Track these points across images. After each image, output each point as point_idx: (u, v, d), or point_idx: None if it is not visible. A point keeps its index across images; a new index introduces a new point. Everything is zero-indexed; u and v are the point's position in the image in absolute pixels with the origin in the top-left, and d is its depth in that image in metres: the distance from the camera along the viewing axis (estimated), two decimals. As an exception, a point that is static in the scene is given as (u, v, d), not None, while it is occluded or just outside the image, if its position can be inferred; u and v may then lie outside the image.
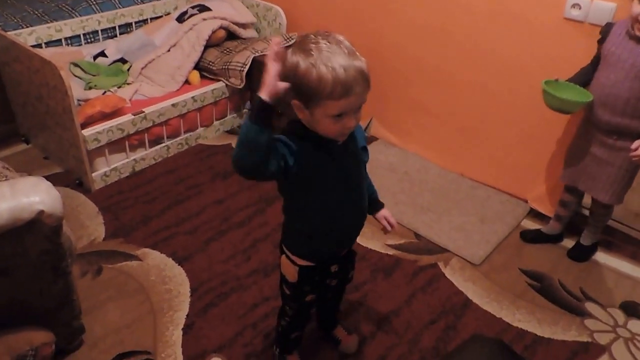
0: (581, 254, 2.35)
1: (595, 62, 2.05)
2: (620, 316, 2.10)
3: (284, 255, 1.53)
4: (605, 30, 1.98)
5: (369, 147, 2.43)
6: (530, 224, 2.55)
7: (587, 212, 2.47)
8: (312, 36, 1.21)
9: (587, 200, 2.32)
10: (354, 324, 1.98)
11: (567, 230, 2.45)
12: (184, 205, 2.55)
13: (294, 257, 1.48)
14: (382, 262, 2.27)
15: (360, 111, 1.27)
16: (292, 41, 3.15)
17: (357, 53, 1.21)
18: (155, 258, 2.24)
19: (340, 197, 1.39)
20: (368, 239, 2.38)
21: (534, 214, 2.61)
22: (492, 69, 2.54)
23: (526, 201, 2.66)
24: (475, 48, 2.56)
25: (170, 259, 2.24)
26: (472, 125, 2.74)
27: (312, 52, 1.17)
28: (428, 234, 2.43)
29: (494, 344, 1.65)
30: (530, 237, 2.44)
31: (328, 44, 1.18)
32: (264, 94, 1.15)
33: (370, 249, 2.33)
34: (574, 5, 2.19)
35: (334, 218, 1.41)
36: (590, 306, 2.13)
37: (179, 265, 2.21)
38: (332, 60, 1.16)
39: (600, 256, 2.38)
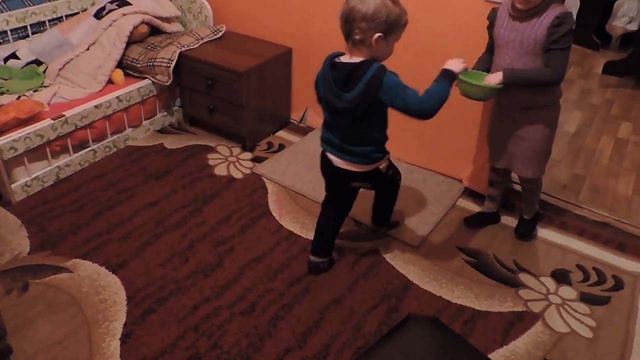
0: (525, 228, 2.39)
1: (490, 48, 2.11)
2: (551, 284, 2.17)
3: (380, 165, 1.93)
4: (492, 16, 2.05)
5: (306, 138, 2.52)
6: (466, 203, 2.60)
7: (518, 187, 2.55)
8: None
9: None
10: (297, 316, 1.95)
11: (502, 207, 2.50)
12: (115, 211, 2.44)
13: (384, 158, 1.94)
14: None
15: None
16: (221, 34, 3.08)
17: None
18: (86, 268, 2.12)
19: None
20: (308, 230, 2.36)
21: (469, 193, 2.65)
22: (420, 54, 2.55)
23: (461, 181, 2.71)
24: (403, 33, 2.55)
25: (103, 267, 2.13)
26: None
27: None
28: (368, 220, 2.42)
29: (428, 322, 1.67)
30: (472, 221, 2.47)
31: None
32: (457, 70, 1.82)
33: (311, 240, 2.28)
34: (493, -12, 2.23)
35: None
36: (523, 277, 2.19)
37: (112, 273, 2.10)
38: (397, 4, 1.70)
39: (534, 228, 2.45)
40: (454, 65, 1.82)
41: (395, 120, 2.42)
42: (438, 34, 2.45)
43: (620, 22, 5.34)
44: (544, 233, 2.43)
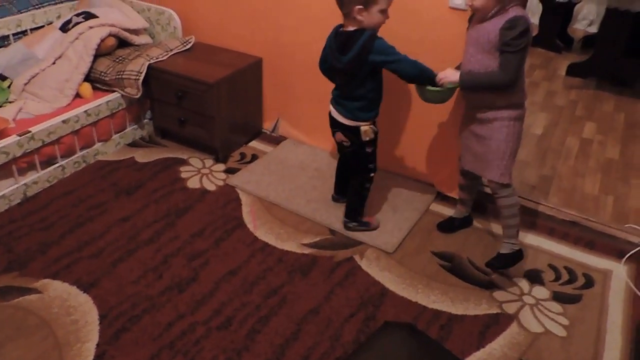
0: (499, 262, 2.23)
1: None
2: (525, 285, 2.20)
3: (363, 125, 2.18)
4: (470, 17, 2.11)
5: (279, 148, 2.77)
6: (439, 207, 2.62)
7: (489, 190, 2.56)
8: None
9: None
10: (274, 328, 1.93)
11: (474, 210, 2.53)
12: (86, 228, 2.39)
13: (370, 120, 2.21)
14: (299, 262, 2.24)
15: None
16: (190, 45, 3.05)
17: None
18: (57, 288, 2.07)
19: None
20: (283, 241, 2.35)
21: (441, 197, 2.68)
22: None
23: (433, 185, 2.73)
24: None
25: (74, 287, 2.08)
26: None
27: None
28: (342, 228, 2.43)
29: (404, 330, 1.68)
30: (445, 226, 2.48)
31: None
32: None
33: (287, 251, 2.30)
34: (456, -5, 2.27)
35: None
36: (497, 279, 2.22)
37: (84, 292, 2.06)
38: None
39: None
40: (444, 73, 2.05)
41: None
42: (412, 40, 2.46)
43: (581, 25, 5.49)
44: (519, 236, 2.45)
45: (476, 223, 2.53)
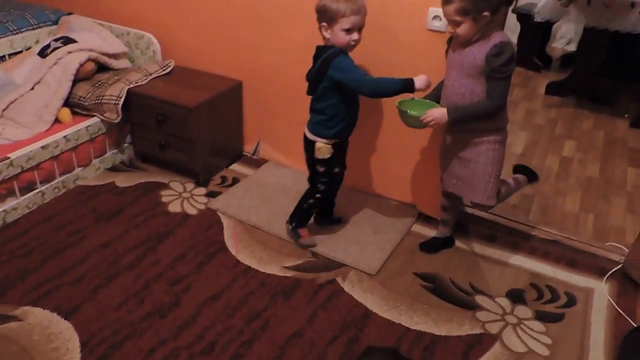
0: (432, 247, 2.50)
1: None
2: (507, 304, 2.23)
3: (319, 141, 2.25)
4: (449, 40, 2.14)
5: (260, 170, 2.90)
6: (421, 228, 2.66)
7: (471, 211, 2.62)
8: None
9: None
10: (257, 352, 1.94)
11: (456, 230, 2.57)
12: (67, 254, 2.37)
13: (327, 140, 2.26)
14: (281, 285, 2.25)
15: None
16: (169, 69, 3.08)
17: None
18: (37, 315, 2.05)
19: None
20: (265, 264, 2.36)
21: (423, 218, 2.72)
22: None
23: (415, 206, 2.77)
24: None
25: (55, 314, 2.06)
26: (357, 139, 2.78)
27: None
28: (324, 250, 2.45)
29: (387, 355, 1.69)
30: (428, 247, 2.51)
31: None
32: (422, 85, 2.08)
33: (269, 274, 2.31)
34: (434, 17, 2.32)
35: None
36: (480, 299, 2.25)
37: (65, 319, 2.04)
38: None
39: (485, 249, 2.53)
40: (419, 80, 2.08)
41: (349, 146, 2.49)
42: (388, 62, 2.52)
43: (559, 44, 5.62)
44: (497, 254, 2.50)
45: (458, 243, 2.56)
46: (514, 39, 4.97)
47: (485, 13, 1.88)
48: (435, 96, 2.18)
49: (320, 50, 2.18)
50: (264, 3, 2.75)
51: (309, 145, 2.30)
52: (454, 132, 2.17)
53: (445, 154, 2.28)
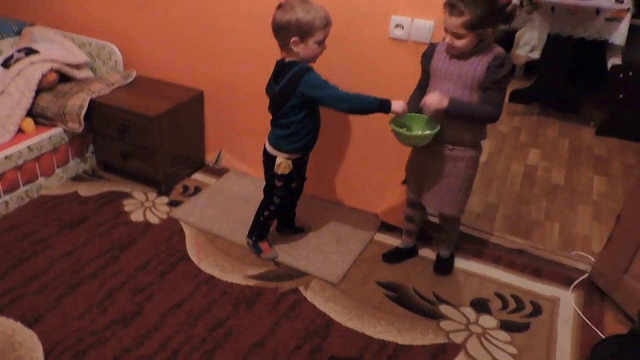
0: (445, 267, 2.48)
1: (423, 84, 2.19)
2: (471, 314, 2.25)
3: (279, 156, 2.27)
4: (430, 51, 2.13)
5: (222, 179, 3.02)
6: (383, 237, 2.70)
7: (434, 219, 2.68)
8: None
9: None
10: None
11: (419, 239, 2.62)
12: (30, 263, 2.42)
13: (288, 154, 2.27)
14: (244, 294, 2.31)
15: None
16: (131, 79, 3.13)
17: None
18: (1, 324, 2.10)
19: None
20: (228, 273, 2.43)
21: (385, 227, 2.75)
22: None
23: (377, 215, 2.82)
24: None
25: (19, 322, 2.11)
26: (319, 148, 2.82)
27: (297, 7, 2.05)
28: (286, 259, 2.51)
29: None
30: (391, 257, 2.54)
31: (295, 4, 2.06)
32: (398, 109, 2.06)
33: (231, 283, 2.37)
34: (397, 26, 2.37)
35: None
36: (444, 308, 2.27)
37: (29, 328, 2.09)
38: (310, 11, 2.04)
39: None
40: (396, 104, 2.05)
41: (311, 155, 2.54)
42: (351, 71, 2.55)
43: (522, 51, 5.62)
44: (462, 263, 2.54)
45: (421, 253, 2.60)
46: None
47: (489, 29, 1.93)
48: (415, 110, 2.13)
49: (282, 67, 2.14)
50: (226, 13, 2.80)
51: (269, 159, 2.32)
52: (433, 143, 2.11)
53: (415, 165, 2.28)
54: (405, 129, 2.08)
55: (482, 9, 1.88)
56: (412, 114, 2.12)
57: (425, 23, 2.33)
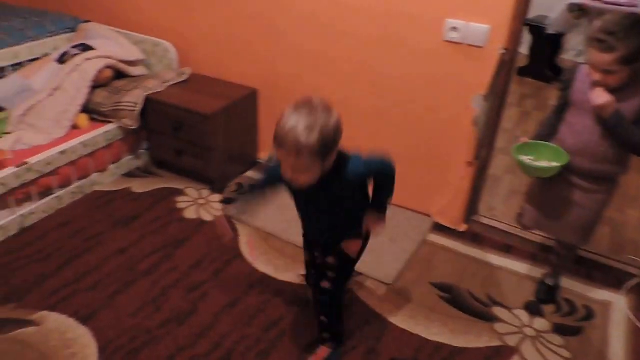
0: (552, 295, 2.30)
1: (559, 110, 1.99)
2: (525, 316, 2.21)
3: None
4: (569, 78, 1.93)
5: None
6: (436, 238, 2.65)
7: (486, 220, 2.58)
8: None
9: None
10: (277, 362, 1.93)
11: (471, 240, 2.55)
12: (83, 259, 2.38)
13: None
14: (298, 293, 2.25)
15: (305, 176, 1.51)
16: (186, 76, 3.09)
17: (317, 123, 1.43)
18: (55, 321, 2.06)
19: (306, 214, 1.84)
20: (282, 272, 2.36)
21: (438, 228, 2.71)
22: (383, 92, 2.62)
23: (429, 215, 2.76)
24: (365, 73, 2.63)
25: (73, 319, 2.07)
26: (370, 148, 2.79)
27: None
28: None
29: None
30: (547, 297, 2.29)
31: (296, 107, 1.46)
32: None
33: (286, 282, 2.31)
34: (452, 29, 2.32)
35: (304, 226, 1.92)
36: (497, 310, 2.23)
37: (82, 325, 2.05)
38: (284, 118, 1.45)
39: (502, 261, 2.51)
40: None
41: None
42: (403, 74, 2.52)
43: (569, 56, 5.61)
44: (515, 265, 2.49)
45: (473, 253, 2.55)
46: (525, 51, 4.98)
47: None
48: (548, 135, 1.98)
49: None
50: (280, 15, 2.77)
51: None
52: (568, 170, 1.93)
53: (544, 191, 2.08)
54: (530, 157, 1.93)
55: (637, 40, 1.67)
56: (539, 141, 1.96)
57: (480, 27, 2.28)
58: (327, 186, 1.60)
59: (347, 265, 1.85)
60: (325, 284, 1.82)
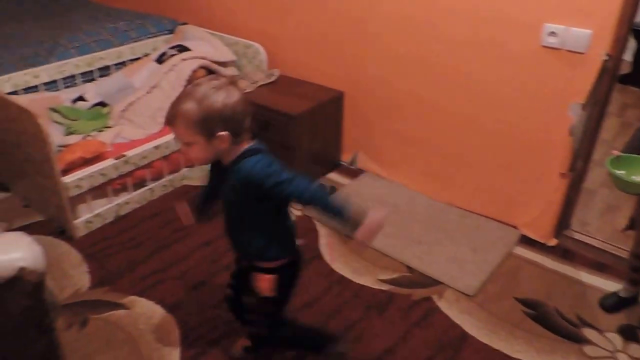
0: (619, 307, 2.21)
1: None
2: (618, 341, 2.07)
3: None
4: None
5: (357, 181, 2.64)
6: (522, 251, 2.53)
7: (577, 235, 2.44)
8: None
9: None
10: (352, 364, 1.93)
11: (561, 256, 2.42)
12: (171, 249, 2.49)
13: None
14: (376, 298, 2.23)
15: (191, 151, 1.44)
16: (274, 77, 3.17)
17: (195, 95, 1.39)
18: (143, 306, 2.17)
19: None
20: (360, 275, 2.35)
21: (524, 241, 2.59)
22: (474, 97, 2.56)
23: (515, 227, 2.65)
24: (456, 77, 2.58)
25: (159, 305, 2.17)
26: (457, 154, 2.74)
27: None
28: (420, 266, 2.40)
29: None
30: (612, 306, 2.22)
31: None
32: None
33: (363, 285, 2.30)
34: (550, 34, 2.23)
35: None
36: (587, 332, 2.10)
37: (168, 312, 2.14)
38: None
39: (595, 279, 2.37)
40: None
41: (449, 161, 2.43)
42: (499, 79, 2.45)
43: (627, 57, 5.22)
44: (608, 285, 2.33)
45: (563, 270, 2.41)
46: (629, 57, 4.67)
47: None
48: (630, 151, 1.89)
49: None
50: (371, 18, 2.77)
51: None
52: None
53: None
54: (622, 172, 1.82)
55: None
56: (630, 155, 1.86)
57: (581, 32, 2.19)
58: (225, 179, 1.51)
59: (266, 304, 1.66)
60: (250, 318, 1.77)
